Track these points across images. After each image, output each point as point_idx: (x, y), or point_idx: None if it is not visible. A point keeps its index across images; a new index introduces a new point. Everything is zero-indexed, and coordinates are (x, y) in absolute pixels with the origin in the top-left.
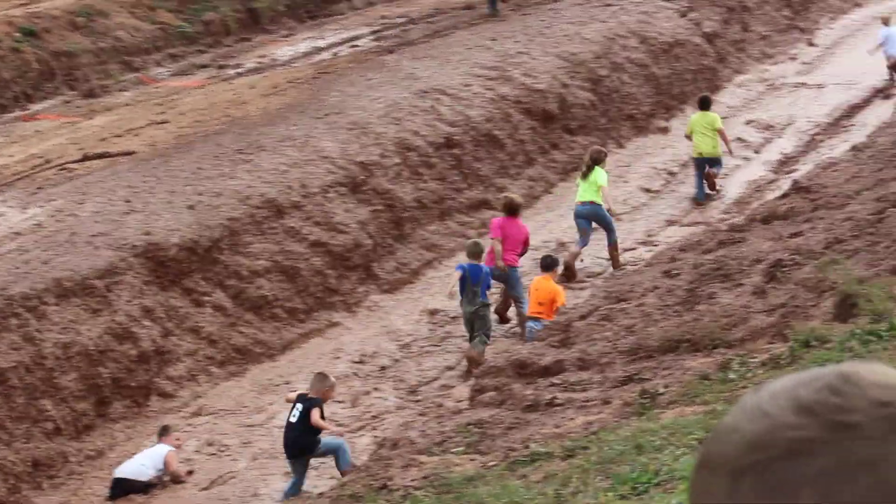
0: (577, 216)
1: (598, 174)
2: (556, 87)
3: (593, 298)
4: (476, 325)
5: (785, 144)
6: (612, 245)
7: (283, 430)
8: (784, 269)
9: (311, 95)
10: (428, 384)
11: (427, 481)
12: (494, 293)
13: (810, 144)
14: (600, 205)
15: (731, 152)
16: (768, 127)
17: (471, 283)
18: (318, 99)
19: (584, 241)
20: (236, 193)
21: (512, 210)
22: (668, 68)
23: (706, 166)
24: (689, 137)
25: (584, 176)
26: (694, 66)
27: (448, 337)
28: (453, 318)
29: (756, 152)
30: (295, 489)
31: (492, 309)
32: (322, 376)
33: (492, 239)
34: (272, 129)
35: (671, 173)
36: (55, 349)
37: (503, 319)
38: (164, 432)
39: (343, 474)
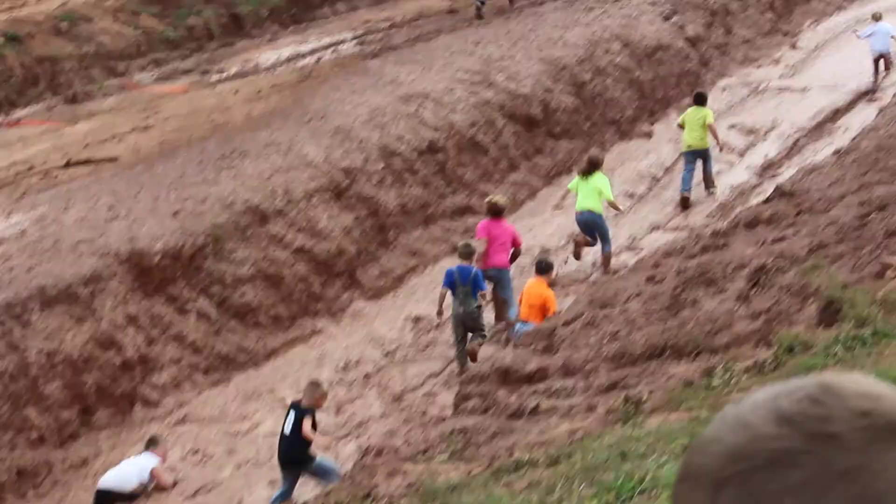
0: (578, 223)
1: (601, 181)
2: (539, 92)
3: (577, 304)
4: (468, 325)
5: (768, 148)
6: (606, 256)
7: (267, 438)
8: (768, 274)
9: (295, 101)
10: (412, 391)
11: (411, 489)
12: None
13: (794, 148)
14: (599, 214)
15: (720, 147)
16: (752, 131)
17: (460, 283)
18: (302, 104)
19: (593, 239)
20: (220, 200)
21: (495, 212)
22: (651, 72)
23: (696, 160)
24: (681, 127)
25: (584, 181)
26: (677, 70)
27: (432, 344)
28: (437, 325)
29: (740, 156)
30: (282, 497)
31: (483, 311)
32: (314, 384)
33: (477, 241)
34: (256, 134)
35: (655, 178)
36: (39, 357)
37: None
38: (152, 444)
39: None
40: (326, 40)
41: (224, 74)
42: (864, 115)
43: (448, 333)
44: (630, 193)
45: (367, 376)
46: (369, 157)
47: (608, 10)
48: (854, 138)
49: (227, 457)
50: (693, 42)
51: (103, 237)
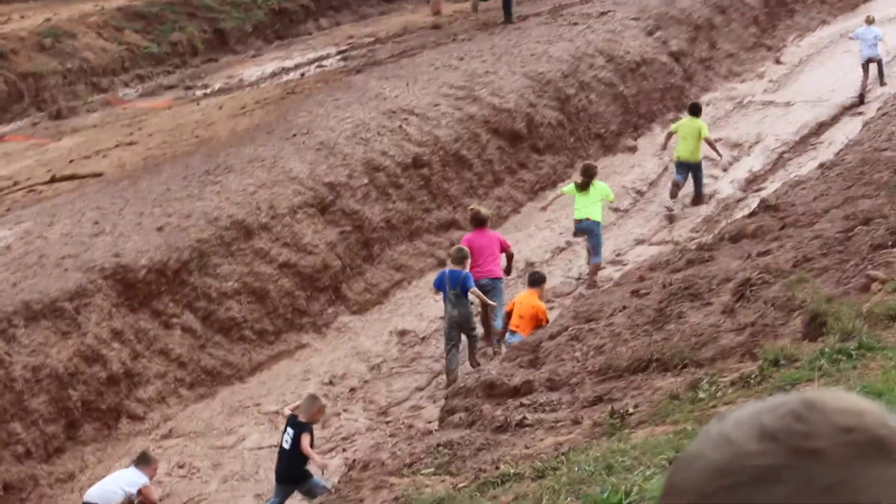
0: (577, 231)
1: (602, 189)
2: (523, 107)
3: (562, 318)
4: (464, 327)
5: (753, 162)
6: (595, 266)
7: (252, 451)
8: (753, 287)
9: (279, 116)
10: (398, 405)
11: (398, 503)
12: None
13: (778, 162)
14: (597, 222)
15: (720, 156)
16: (736, 145)
17: (450, 286)
18: (286, 119)
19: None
20: (205, 215)
21: (478, 222)
22: (635, 87)
23: (687, 172)
24: (669, 135)
25: (583, 191)
26: (661, 84)
27: (418, 358)
28: (423, 338)
29: (724, 170)
30: None
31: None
32: (312, 398)
33: None
34: (240, 150)
35: (639, 192)
36: (25, 372)
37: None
38: (143, 462)
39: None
40: (310, 56)
41: (208, 90)
42: (848, 129)
43: (433, 347)
44: (614, 208)
45: (352, 390)
46: (354, 171)
47: (592, 25)
48: (838, 152)
49: (213, 471)
50: (677, 57)
51: (88, 252)
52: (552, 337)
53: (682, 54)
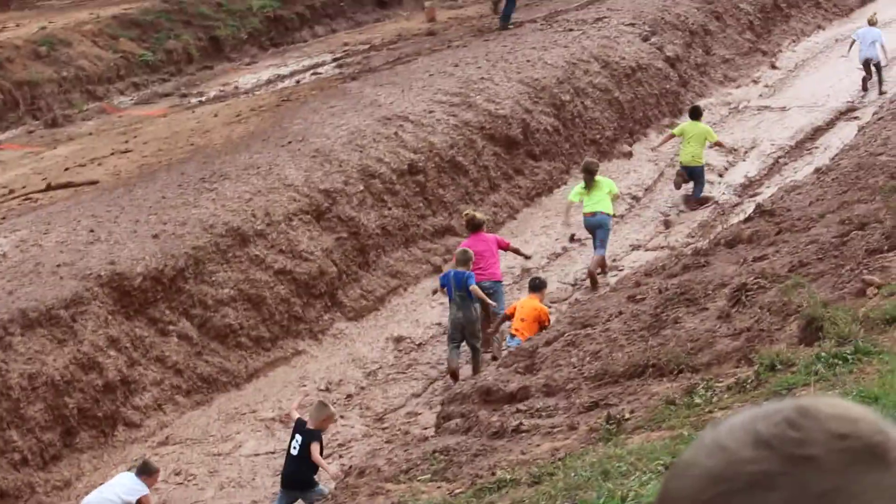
0: (587, 227)
1: (607, 184)
2: (519, 113)
3: (558, 324)
4: (468, 331)
5: (748, 168)
6: (601, 258)
7: (249, 458)
8: (749, 292)
9: (274, 123)
10: (394, 411)
11: None
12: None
13: (774, 167)
14: (609, 215)
15: (731, 149)
16: (732, 150)
17: (456, 288)
18: (282, 127)
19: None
20: (200, 222)
21: (474, 226)
22: (630, 93)
23: (690, 175)
24: (669, 136)
25: (588, 188)
26: (657, 90)
27: (414, 364)
28: (419, 345)
29: (720, 175)
30: None
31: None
32: (321, 406)
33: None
34: (235, 157)
35: (635, 198)
36: (21, 380)
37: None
38: (146, 471)
39: None
40: (306, 63)
41: (203, 97)
42: (843, 134)
43: (430, 354)
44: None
45: (348, 397)
46: (349, 178)
47: (587, 31)
48: (834, 157)
49: (210, 478)
50: (672, 62)
51: (84, 260)
52: (548, 342)
53: (677, 60)
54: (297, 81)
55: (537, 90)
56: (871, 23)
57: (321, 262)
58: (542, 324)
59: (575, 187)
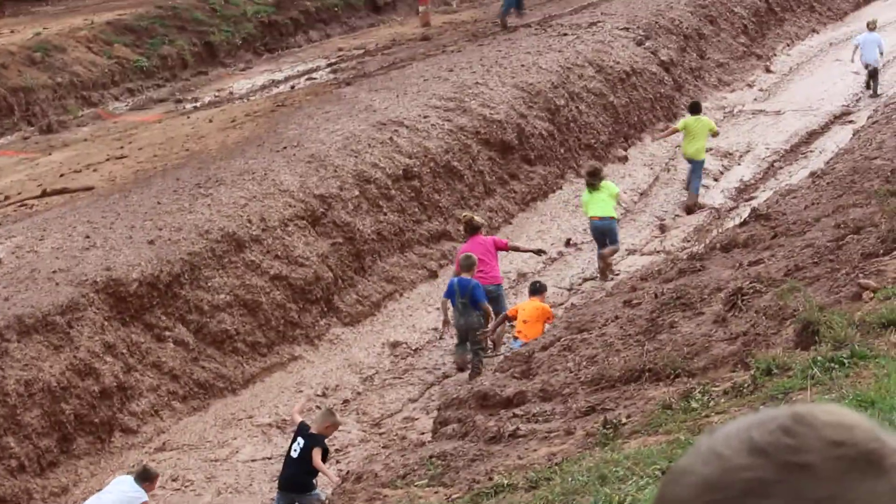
0: (595, 230)
1: (608, 186)
2: (513, 118)
3: (555, 329)
4: (470, 337)
5: (744, 172)
6: (612, 250)
7: (246, 464)
8: (745, 297)
9: (269, 129)
10: (391, 417)
11: None
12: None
13: (769, 171)
14: (615, 219)
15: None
16: (727, 154)
17: (459, 295)
18: (276, 132)
19: (602, 248)
20: (196, 228)
21: (473, 229)
22: (625, 97)
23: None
24: (673, 131)
25: (594, 192)
26: (651, 94)
27: (410, 369)
28: (415, 350)
29: (715, 180)
30: None
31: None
32: (328, 412)
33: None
34: (231, 162)
35: (631, 202)
36: (17, 386)
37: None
38: (146, 478)
39: None
40: (300, 68)
41: (198, 103)
42: (838, 138)
43: (426, 359)
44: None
45: (345, 402)
46: (345, 183)
47: (581, 35)
48: (829, 161)
49: (207, 483)
50: (667, 66)
51: (80, 266)
52: (545, 347)
53: (671, 64)
54: (292, 87)
55: (532, 95)
56: (871, 28)
57: (317, 267)
58: (547, 321)
59: (583, 196)
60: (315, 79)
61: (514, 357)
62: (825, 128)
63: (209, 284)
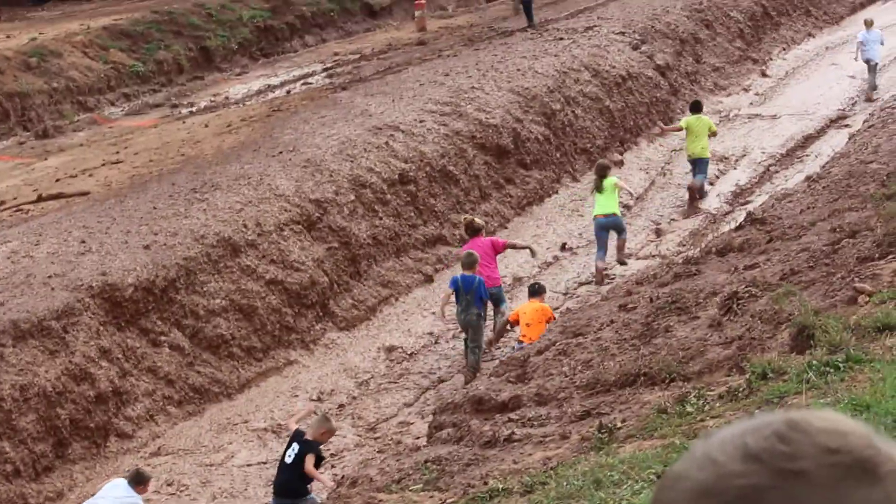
0: (600, 228)
1: (610, 183)
2: (509, 122)
3: (550, 333)
4: (469, 334)
5: (739, 176)
6: (622, 240)
7: (241, 469)
8: (740, 301)
9: (265, 133)
10: (386, 421)
11: None
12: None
13: (765, 175)
14: (619, 216)
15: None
16: (723, 158)
17: (463, 292)
18: (272, 137)
19: (604, 251)
20: (191, 233)
21: (473, 231)
22: (621, 101)
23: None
24: (677, 129)
25: (599, 189)
26: (647, 98)
27: (406, 374)
28: (411, 354)
29: (711, 184)
30: None
31: (485, 321)
32: (324, 419)
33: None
34: (226, 167)
35: (626, 206)
36: (13, 391)
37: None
38: (140, 481)
39: None
40: (296, 73)
41: (194, 108)
42: (834, 142)
43: (421, 363)
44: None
45: (340, 406)
46: (340, 188)
47: (577, 40)
48: (825, 165)
49: (202, 488)
50: (662, 71)
51: (75, 271)
52: (540, 352)
53: (667, 68)
54: (288, 91)
55: (528, 99)
56: (870, 25)
57: (312, 272)
58: (549, 321)
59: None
60: (311, 83)
61: (509, 361)
62: (821, 132)
63: (205, 289)
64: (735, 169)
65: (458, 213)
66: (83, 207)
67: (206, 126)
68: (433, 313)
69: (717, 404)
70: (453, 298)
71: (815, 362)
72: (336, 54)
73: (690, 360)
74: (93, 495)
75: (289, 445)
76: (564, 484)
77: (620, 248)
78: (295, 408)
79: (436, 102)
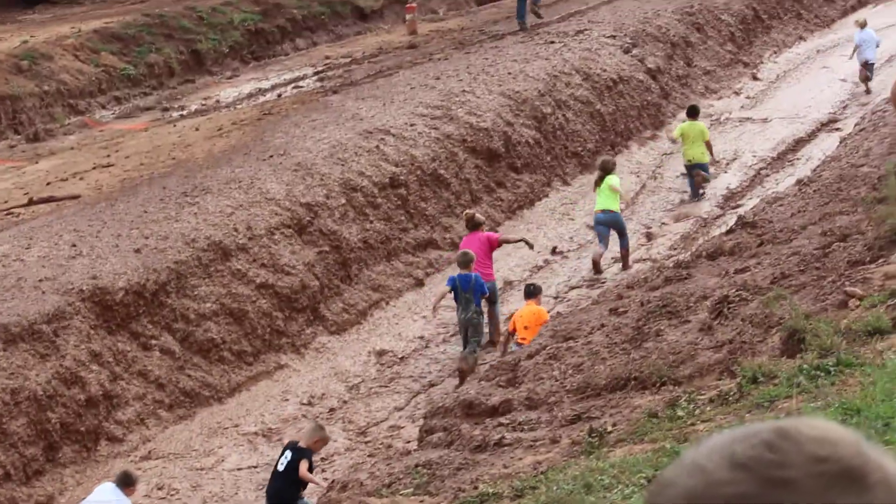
0: (598, 223)
1: (611, 179)
2: (500, 126)
3: (540, 337)
4: (469, 331)
5: (730, 179)
6: (625, 248)
7: (232, 473)
8: (731, 305)
9: (256, 137)
10: (377, 425)
11: None
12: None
13: (756, 179)
14: (619, 212)
15: (714, 159)
16: (713, 162)
17: (462, 290)
18: (263, 140)
19: (604, 245)
20: (182, 236)
21: (473, 226)
22: (612, 105)
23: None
24: (674, 141)
25: (600, 186)
26: (638, 102)
27: (396, 378)
28: (401, 358)
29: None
30: None
31: (484, 318)
32: (318, 427)
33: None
34: (217, 171)
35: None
36: (3, 395)
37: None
38: (127, 482)
39: None
40: (287, 76)
41: (185, 111)
42: (825, 145)
43: (412, 367)
44: (592, 226)
45: (331, 410)
46: (331, 192)
47: (568, 43)
48: (816, 168)
49: (193, 492)
50: (653, 74)
51: (66, 275)
52: (530, 356)
53: (658, 72)
54: (279, 95)
55: (519, 103)
56: (863, 26)
57: (303, 275)
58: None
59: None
60: (302, 87)
61: (499, 365)
62: (812, 135)
63: (195, 293)
64: (726, 172)
65: (450, 217)
66: (74, 211)
67: (197, 129)
68: (424, 317)
69: (708, 408)
70: (449, 299)
71: (805, 366)
72: (327, 58)
73: (681, 364)
74: (83, 500)
75: (282, 453)
76: (554, 488)
77: (624, 258)
78: (285, 412)
79: (427, 106)
